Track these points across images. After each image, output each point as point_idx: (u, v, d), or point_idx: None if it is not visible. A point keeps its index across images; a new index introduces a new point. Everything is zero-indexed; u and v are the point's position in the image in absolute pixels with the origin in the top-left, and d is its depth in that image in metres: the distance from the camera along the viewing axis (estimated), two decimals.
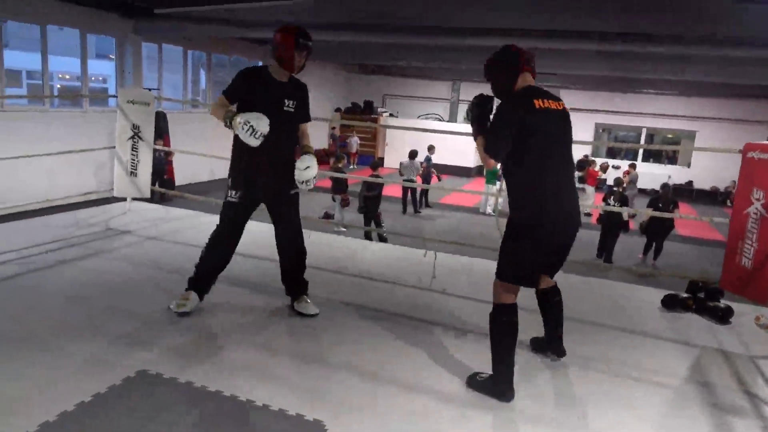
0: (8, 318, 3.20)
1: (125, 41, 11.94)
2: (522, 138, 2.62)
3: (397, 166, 12.83)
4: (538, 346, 3.25)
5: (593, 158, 16.92)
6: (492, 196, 13.15)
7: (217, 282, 3.56)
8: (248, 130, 3.09)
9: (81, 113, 11.20)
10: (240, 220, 3.44)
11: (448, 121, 20.94)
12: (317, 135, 18.83)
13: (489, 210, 13.22)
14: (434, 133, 15.18)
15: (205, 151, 7.22)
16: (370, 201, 9.61)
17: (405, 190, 12.91)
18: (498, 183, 13.32)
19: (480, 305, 3.99)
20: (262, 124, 3.10)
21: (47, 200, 6.03)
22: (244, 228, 3.49)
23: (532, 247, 2.67)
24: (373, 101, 21.41)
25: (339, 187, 10.28)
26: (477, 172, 20.26)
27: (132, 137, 5.14)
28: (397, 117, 21.12)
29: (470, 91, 21.08)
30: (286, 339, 3.27)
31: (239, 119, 3.10)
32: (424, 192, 13.44)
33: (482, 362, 2.90)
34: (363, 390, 2.73)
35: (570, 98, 20.25)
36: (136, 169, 5.25)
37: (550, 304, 3.07)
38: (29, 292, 3.57)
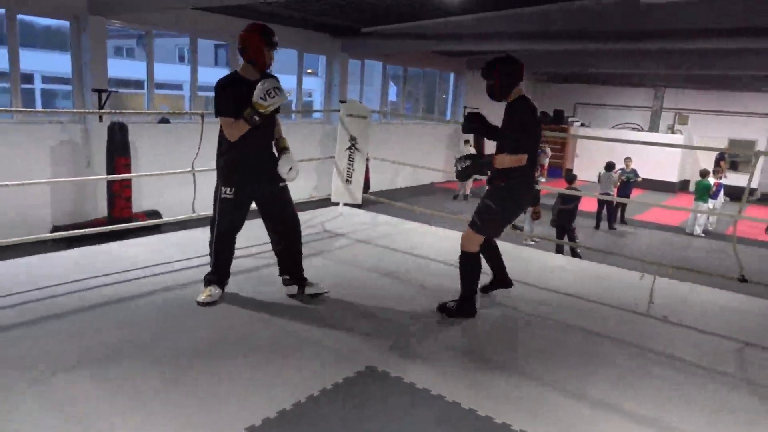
0: (257, 306, 3.67)
1: (334, 58, 13.08)
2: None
3: (587, 179, 12.14)
4: (486, 289, 3.94)
5: None
6: (702, 215, 11.81)
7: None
8: (273, 95, 3.24)
9: (294, 124, 12.53)
10: (237, 214, 3.58)
11: (648, 131, 19.26)
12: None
13: (698, 230, 11.85)
14: (628, 143, 14.08)
15: (403, 160, 7.61)
16: (565, 214, 9.23)
17: (600, 203, 12.17)
18: (711, 201, 11.92)
19: (704, 337, 3.61)
20: (274, 84, 3.26)
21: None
22: (244, 220, 3.65)
23: (512, 211, 3.62)
24: (564, 110, 20.55)
25: (533, 200, 10.05)
26: (681, 186, 18.33)
27: (349, 148, 5.60)
28: (589, 126, 20.01)
29: (675, 98, 19.15)
30: (500, 353, 3.27)
31: (258, 99, 3.23)
32: (622, 207, 12.51)
33: (702, 399, 2.60)
34: (587, 419, 2.63)
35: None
36: (351, 177, 5.70)
37: (492, 247, 3.82)
38: (263, 284, 4.06)
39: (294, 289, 3.82)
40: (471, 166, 3.58)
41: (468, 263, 3.60)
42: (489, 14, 10.20)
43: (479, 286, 3.72)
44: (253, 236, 4.38)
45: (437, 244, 5.45)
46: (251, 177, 3.53)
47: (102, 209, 8.90)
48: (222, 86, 3.38)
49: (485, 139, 3.86)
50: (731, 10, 8.14)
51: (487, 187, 3.65)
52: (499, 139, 3.55)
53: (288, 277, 3.81)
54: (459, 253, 3.62)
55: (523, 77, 3.45)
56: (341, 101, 12.11)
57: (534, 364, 3.09)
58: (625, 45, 10.42)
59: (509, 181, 3.46)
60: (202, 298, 3.59)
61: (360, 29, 12.20)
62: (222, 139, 3.48)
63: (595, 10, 9.01)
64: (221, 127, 3.42)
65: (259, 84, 3.27)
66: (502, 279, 3.94)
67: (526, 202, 3.74)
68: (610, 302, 4.12)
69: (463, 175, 3.65)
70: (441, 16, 10.72)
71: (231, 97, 3.33)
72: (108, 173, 8.47)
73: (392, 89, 16.75)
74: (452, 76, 17.50)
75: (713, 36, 9.21)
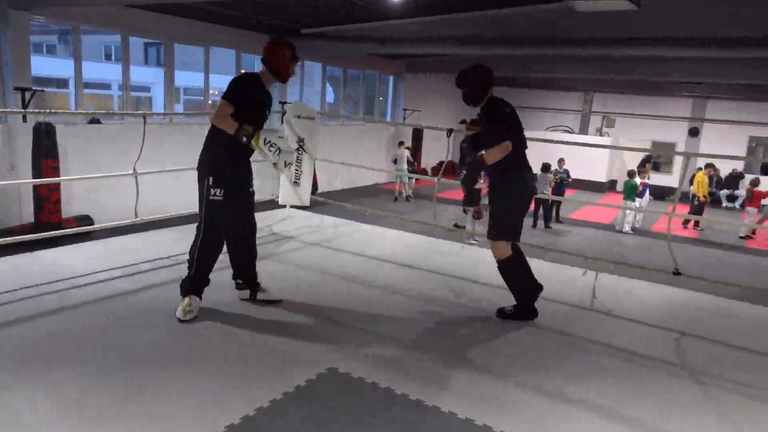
0: (208, 313, 3.56)
1: None
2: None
3: None
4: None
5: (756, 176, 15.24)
6: (630, 213, 12.46)
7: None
8: (275, 151, 3.31)
9: None
10: (226, 216, 3.50)
11: (578, 133, 20.15)
12: (436, 147, 18.91)
13: (627, 228, 12.49)
14: (563, 144, 14.77)
15: (343, 161, 7.58)
16: None
17: (537, 203, 12.59)
18: (638, 199, 12.60)
19: (646, 329, 3.80)
20: (284, 144, 3.35)
21: None
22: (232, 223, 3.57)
23: (518, 209, 3.74)
24: None
25: (472, 199, 10.26)
26: (609, 186, 19.28)
27: (297, 149, 5.51)
28: (525, 129, 20.66)
29: (604, 102, 20.14)
30: (459, 350, 3.32)
31: (265, 138, 3.28)
32: (556, 206, 13.01)
33: (667, 393, 2.74)
34: (541, 408, 2.71)
35: (719, 109, 18.64)
36: (299, 180, 5.62)
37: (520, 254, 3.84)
38: (211, 293, 3.94)
39: (246, 293, 3.74)
40: (472, 173, 3.86)
41: (507, 269, 3.76)
42: (429, 18, 10.32)
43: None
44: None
45: (387, 244, 5.47)
46: (240, 178, 3.52)
47: (28, 214, 8.36)
48: (243, 80, 3.45)
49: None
50: (656, 21, 8.65)
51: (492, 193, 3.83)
52: (484, 142, 3.79)
53: (241, 282, 3.73)
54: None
55: (493, 81, 3.75)
56: (281, 102, 11.96)
57: (489, 361, 3.15)
58: (556, 50, 10.86)
59: (506, 183, 3.70)
60: (181, 314, 3.37)
61: (300, 30, 12.06)
62: (215, 134, 3.40)
63: (530, 16, 9.33)
64: (214, 117, 3.33)
65: (273, 131, 3.38)
66: (534, 285, 3.82)
67: (528, 197, 3.82)
68: (555, 298, 4.27)
69: (472, 184, 4.04)
70: (382, 19, 10.77)
71: (245, 93, 3.37)
72: (34, 176, 7.96)
73: (329, 91, 16.69)
74: (391, 78, 17.64)
75: (639, 44, 9.78)
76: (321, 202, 6.73)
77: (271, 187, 6.00)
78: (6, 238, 4.33)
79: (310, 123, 5.46)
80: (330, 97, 16.83)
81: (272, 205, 6.24)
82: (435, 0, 9.08)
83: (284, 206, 6.12)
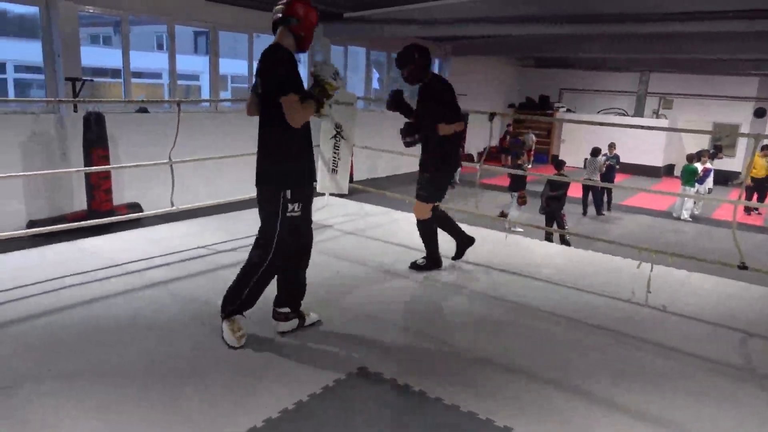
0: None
1: (316, 44, 12.78)
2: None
3: (573, 165, 12.04)
4: (457, 255, 4.43)
5: None
6: (689, 199, 11.81)
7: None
8: (337, 78, 2.90)
9: None
10: (301, 232, 2.99)
11: (633, 116, 19.26)
12: (480, 133, 18.44)
13: (686, 215, 11.84)
14: (615, 127, 14.13)
15: (386, 148, 7.41)
16: (554, 201, 9.13)
17: (586, 189, 12.10)
18: (697, 185, 11.92)
19: (706, 328, 3.51)
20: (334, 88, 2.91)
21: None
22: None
23: (448, 175, 4.20)
24: (549, 96, 20.44)
25: (518, 184, 9.96)
26: (666, 171, 18.38)
27: (334, 136, 5.40)
28: (574, 112, 19.94)
29: (660, 83, 19.13)
30: (500, 350, 3.13)
31: (329, 79, 2.84)
32: (608, 192, 12.46)
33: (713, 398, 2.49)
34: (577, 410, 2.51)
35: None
36: (336, 167, 5.51)
37: (443, 218, 4.30)
38: None
39: (294, 323, 3.14)
40: (413, 131, 4.02)
41: (427, 228, 4.20)
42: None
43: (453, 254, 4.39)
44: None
45: None
46: (312, 185, 3.07)
47: (81, 202, 8.61)
48: (282, 58, 2.75)
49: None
50: None
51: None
52: (419, 115, 4.02)
53: (289, 310, 3.13)
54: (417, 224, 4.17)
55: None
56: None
57: (531, 362, 2.96)
58: (611, 29, 10.29)
59: (444, 154, 4.03)
60: (235, 341, 2.90)
61: (343, 14, 11.90)
62: (279, 136, 2.82)
63: None
64: (272, 116, 2.77)
65: (321, 62, 2.91)
66: (464, 239, 4.40)
67: (456, 165, 4.28)
68: (606, 292, 4.01)
69: (412, 143, 4.06)
70: (424, 0, 10.48)
71: (294, 72, 2.77)
72: (85, 165, 8.17)
73: (375, 76, 16.49)
74: (438, 61, 17.28)
75: (697, 20, 9.13)
76: (360, 189, 6.60)
77: None
78: (59, 225, 4.41)
79: (348, 109, 5.33)
80: (376, 83, 16.63)
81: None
82: None
83: (323, 194, 6.03)
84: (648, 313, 3.70)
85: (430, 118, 3.92)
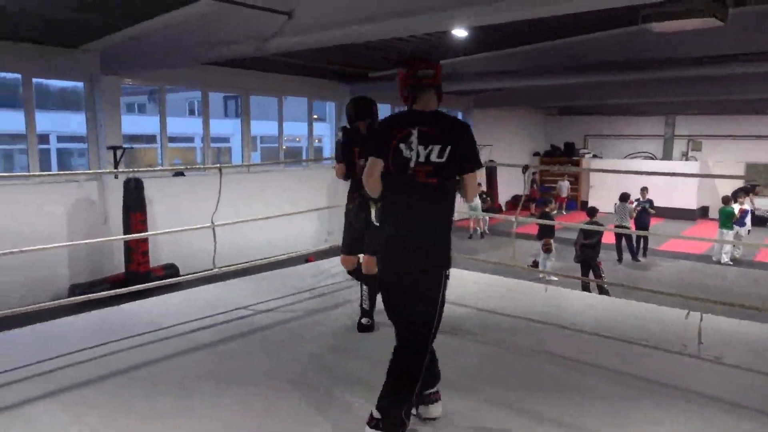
0: (278, 362, 3.49)
1: (343, 104, 13.18)
2: None
3: (603, 210, 11.91)
4: None
5: None
6: (728, 243, 11.51)
7: None
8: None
9: (305, 170, 12.56)
10: None
11: (662, 159, 19.11)
12: (512, 182, 18.46)
13: (726, 258, 11.53)
14: (642, 174, 13.96)
15: None
16: (588, 249, 9.01)
17: (619, 236, 11.92)
18: (736, 228, 11.65)
19: (764, 380, 3.36)
20: None
21: (295, 251, 6.68)
22: None
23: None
24: (574, 143, 20.50)
25: (545, 232, 9.89)
26: (701, 213, 18.02)
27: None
28: (601, 158, 19.89)
29: (687, 124, 19.06)
30: (547, 405, 3.05)
31: None
32: (644, 238, 12.23)
33: None
34: None
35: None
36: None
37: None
38: (294, 339, 3.88)
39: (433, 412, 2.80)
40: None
41: (373, 283, 3.94)
42: (497, 53, 10.25)
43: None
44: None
45: (462, 287, 5.26)
46: None
47: (119, 265, 8.83)
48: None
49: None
50: (739, 36, 8.08)
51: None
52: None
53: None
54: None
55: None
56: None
57: (582, 421, 2.86)
58: (633, 75, 10.38)
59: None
60: (436, 414, 2.78)
61: (367, 74, 12.31)
62: (450, 212, 2.68)
63: (603, 42, 9.01)
64: (447, 190, 2.62)
65: None
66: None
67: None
68: (654, 344, 3.89)
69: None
70: (448, 57, 10.80)
71: None
72: (124, 229, 8.43)
73: None
74: (460, 114, 17.58)
75: (722, 62, 9.15)
76: None
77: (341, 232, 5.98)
78: (97, 294, 4.51)
79: None
80: None
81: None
82: (503, 34, 8.98)
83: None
84: (702, 366, 3.57)
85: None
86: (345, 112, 4.11)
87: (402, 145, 2.53)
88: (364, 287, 4.09)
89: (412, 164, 2.53)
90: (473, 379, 3.40)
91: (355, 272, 4.37)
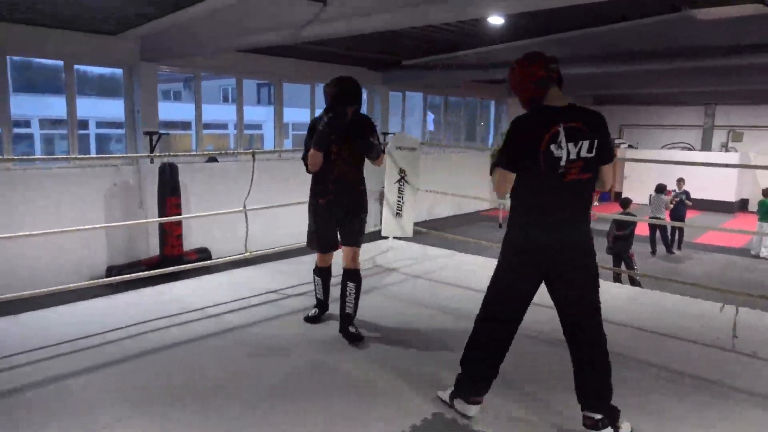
0: (304, 349, 3.56)
1: (375, 91, 13.18)
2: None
3: (638, 202, 11.65)
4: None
5: None
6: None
7: None
8: None
9: None
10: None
11: (700, 150, 18.58)
12: None
13: (765, 252, 11.20)
14: (677, 164, 13.57)
15: (444, 189, 7.54)
16: (621, 241, 8.86)
17: (653, 228, 11.67)
18: None
19: None
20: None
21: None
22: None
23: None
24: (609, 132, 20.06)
25: None
26: (740, 206, 17.50)
27: (399, 180, 5.50)
28: (636, 148, 19.44)
29: (727, 115, 18.47)
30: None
31: None
32: (679, 230, 11.96)
33: None
34: None
35: None
36: (401, 210, 5.58)
37: None
38: (320, 325, 3.95)
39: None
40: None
41: (359, 278, 3.80)
42: (528, 41, 10.09)
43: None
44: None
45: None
46: None
47: (154, 248, 9.06)
48: None
49: None
50: None
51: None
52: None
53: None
54: None
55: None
56: (384, 133, 12.14)
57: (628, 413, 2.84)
58: (675, 64, 10.07)
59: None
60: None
61: (400, 62, 12.26)
62: (590, 204, 2.65)
63: (643, 29, 8.78)
64: (591, 185, 2.59)
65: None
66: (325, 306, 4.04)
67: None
68: (688, 337, 3.83)
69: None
70: (483, 45, 10.68)
71: None
72: (159, 212, 8.64)
73: (430, 118, 16.74)
74: (492, 103, 17.39)
75: (764, 51, 8.81)
76: (424, 232, 6.64)
77: (374, 219, 6.02)
78: (133, 275, 4.66)
79: (411, 154, 5.43)
80: (431, 125, 16.90)
81: (375, 236, 6.25)
82: (539, 21, 8.83)
83: (387, 237, 6.11)
84: (736, 360, 3.50)
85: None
86: (326, 91, 3.61)
87: (552, 146, 2.43)
88: (351, 285, 3.69)
89: (563, 163, 2.44)
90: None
91: (326, 270, 3.96)
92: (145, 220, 8.09)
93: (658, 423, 2.72)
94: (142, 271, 5.43)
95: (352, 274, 3.70)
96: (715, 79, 12.55)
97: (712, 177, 15.43)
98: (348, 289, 3.68)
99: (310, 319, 3.97)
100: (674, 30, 8.42)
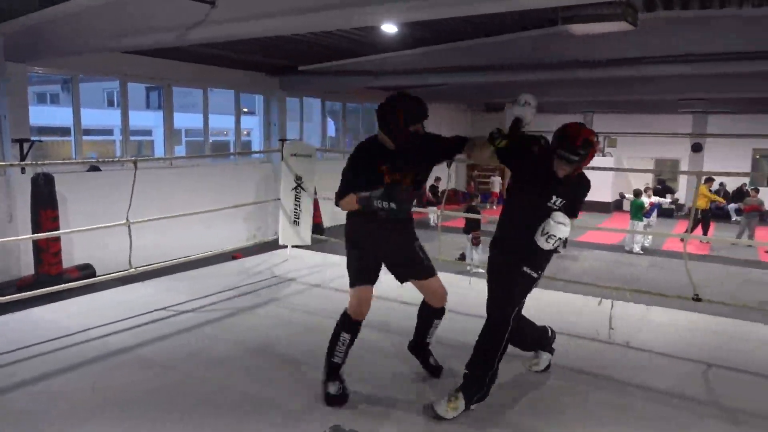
0: (197, 368, 3.39)
1: (272, 97, 12.94)
2: None
3: None
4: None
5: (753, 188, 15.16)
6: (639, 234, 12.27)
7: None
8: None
9: (233, 164, 12.24)
10: None
11: None
12: (439, 176, 18.82)
13: (636, 248, 12.28)
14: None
15: None
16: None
17: None
18: (645, 219, 12.42)
19: (669, 362, 3.60)
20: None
21: (223, 249, 6.49)
22: None
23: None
24: None
25: (471, 226, 10.18)
26: (615, 206, 19.10)
27: (295, 188, 5.42)
28: None
29: (604, 122, 20.12)
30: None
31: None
32: None
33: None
34: None
35: (721, 123, 18.60)
36: (298, 218, 5.51)
37: None
38: (214, 342, 3.78)
39: None
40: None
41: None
42: (424, 49, 10.40)
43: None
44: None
45: (393, 282, 5.29)
46: None
47: (28, 265, 8.25)
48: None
49: None
50: (651, 41, 8.61)
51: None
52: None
53: None
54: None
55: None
56: (281, 140, 11.94)
57: (499, 409, 2.96)
58: (549, 75, 10.81)
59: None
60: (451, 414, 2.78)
61: (297, 67, 12.14)
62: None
63: (525, 41, 9.34)
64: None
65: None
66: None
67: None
68: (569, 331, 4.07)
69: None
70: (378, 52, 10.84)
71: None
72: (33, 227, 7.88)
73: (331, 124, 16.73)
74: None
75: (636, 63, 9.72)
76: (323, 240, 6.59)
77: (272, 228, 5.88)
78: (9, 297, 4.19)
79: (307, 161, 5.38)
80: (331, 130, 16.87)
81: (273, 245, 6.11)
82: (431, 31, 9.11)
83: (285, 246, 5.99)
84: (611, 349, 3.78)
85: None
86: (389, 113, 3.07)
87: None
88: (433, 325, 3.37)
89: None
90: (393, 373, 3.43)
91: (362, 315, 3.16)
92: (15, 238, 7.34)
93: (547, 420, 2.85)
94: (14, 292, 4.91)
95: (440, 311, 3.37)
96: (589, 90, 13.67)
97: (591, 179, 16.68)
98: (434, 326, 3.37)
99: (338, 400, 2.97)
100: (554, 43, 9.02)
